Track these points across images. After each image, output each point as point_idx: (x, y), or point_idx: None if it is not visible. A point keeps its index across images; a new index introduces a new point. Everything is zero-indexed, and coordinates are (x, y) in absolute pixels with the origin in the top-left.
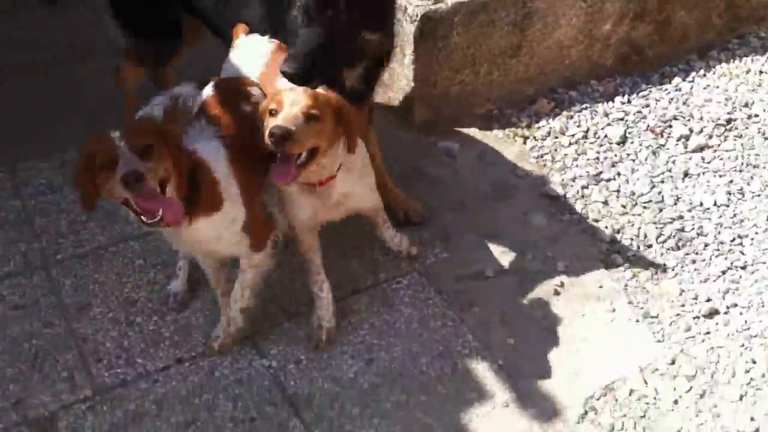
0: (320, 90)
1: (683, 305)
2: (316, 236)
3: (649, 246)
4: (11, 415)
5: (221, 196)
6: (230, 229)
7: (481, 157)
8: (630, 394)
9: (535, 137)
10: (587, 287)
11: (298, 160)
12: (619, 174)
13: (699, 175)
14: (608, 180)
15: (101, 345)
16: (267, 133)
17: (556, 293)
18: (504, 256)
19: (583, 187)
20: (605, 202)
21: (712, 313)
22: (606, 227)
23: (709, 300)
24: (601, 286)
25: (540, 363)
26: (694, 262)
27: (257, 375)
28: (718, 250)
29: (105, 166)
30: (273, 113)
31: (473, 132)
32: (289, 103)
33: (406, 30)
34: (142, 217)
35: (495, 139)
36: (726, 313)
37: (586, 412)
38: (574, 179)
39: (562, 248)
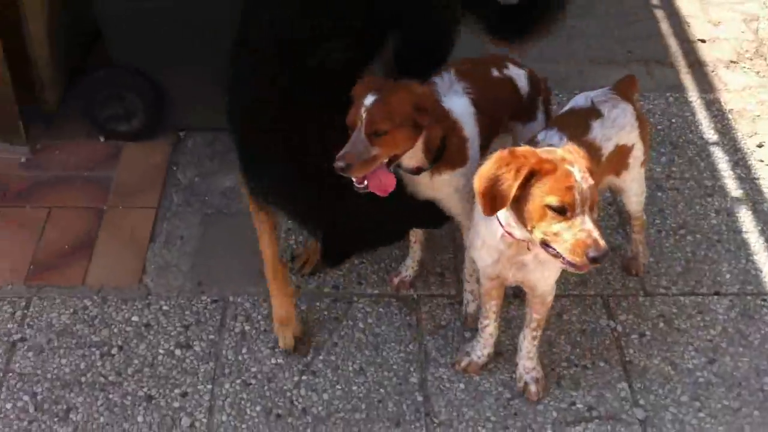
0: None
1: None
2: (496, 287)
3: None
4: (386, 287)
5: (467, 153)
6: (467, 187)
7: None
8: None
9: None
10: None
11: None
12: None
13: None
14: None
15: None
16: (577, 249)
17: None
18: None
19: None
20: None
21: None
22: None
23: None
24: None
25: None
26: None
27: (600, 331)
28: None
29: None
30: (559, 212)
31: None
32: (579, 201)
33: None
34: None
35: None
36: None
37: None
38: None
39: None
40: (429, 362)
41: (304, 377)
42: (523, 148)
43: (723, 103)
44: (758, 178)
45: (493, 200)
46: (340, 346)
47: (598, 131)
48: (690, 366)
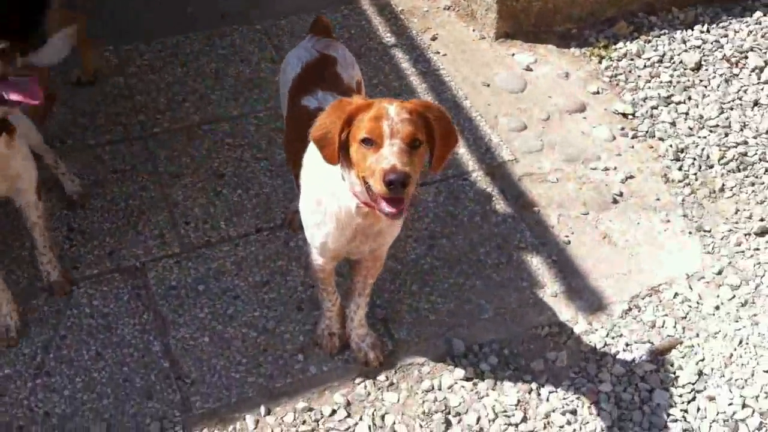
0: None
1: (737, 222)
2: (334, 265)
3: (711, 166)
4: (106, 263)
5: None
6: None
7: (555, 72)
8: (674, 297)
9: (611, 57)
10: (645, 199)
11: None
12: (689, 98)
13: None
14: (678, 103)
15: (190, 210)
16: (378, 177)
17: (615, 201)
18: (568, 164)
19: (652, 108)
20: (673, 123)
21: (764, 232)
22: (671, 146)
23: (762, 220)
24: (658, 199)
25: (591, 262)
26: (753, 184)
27: None
28: None
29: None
30: (368, 143)
31: (550, 48)
32: (389, 132)
33: None
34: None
35: (571, 56)
36: None
37: (630, 309)
38: (644, 99)
39: (625, 161)
40: (168, 326)
41: (38, 381)
42: (352, 97)
43: (394, 6)
44: (438, 70)
45: (325, 146)
46: (69, 338)
47: (344, 74)
48: (413, 257)
